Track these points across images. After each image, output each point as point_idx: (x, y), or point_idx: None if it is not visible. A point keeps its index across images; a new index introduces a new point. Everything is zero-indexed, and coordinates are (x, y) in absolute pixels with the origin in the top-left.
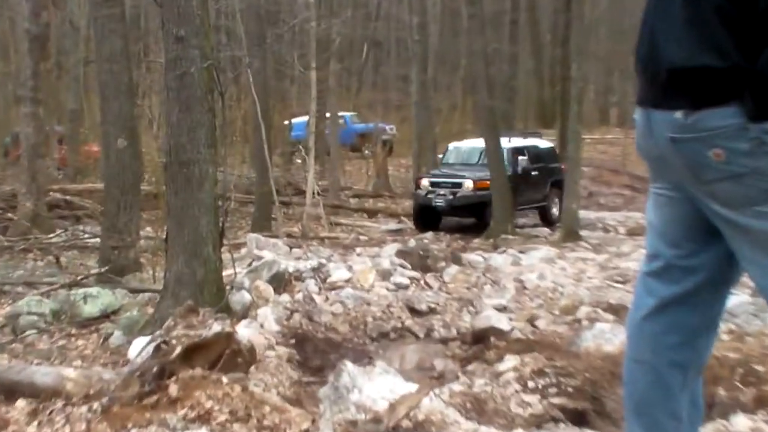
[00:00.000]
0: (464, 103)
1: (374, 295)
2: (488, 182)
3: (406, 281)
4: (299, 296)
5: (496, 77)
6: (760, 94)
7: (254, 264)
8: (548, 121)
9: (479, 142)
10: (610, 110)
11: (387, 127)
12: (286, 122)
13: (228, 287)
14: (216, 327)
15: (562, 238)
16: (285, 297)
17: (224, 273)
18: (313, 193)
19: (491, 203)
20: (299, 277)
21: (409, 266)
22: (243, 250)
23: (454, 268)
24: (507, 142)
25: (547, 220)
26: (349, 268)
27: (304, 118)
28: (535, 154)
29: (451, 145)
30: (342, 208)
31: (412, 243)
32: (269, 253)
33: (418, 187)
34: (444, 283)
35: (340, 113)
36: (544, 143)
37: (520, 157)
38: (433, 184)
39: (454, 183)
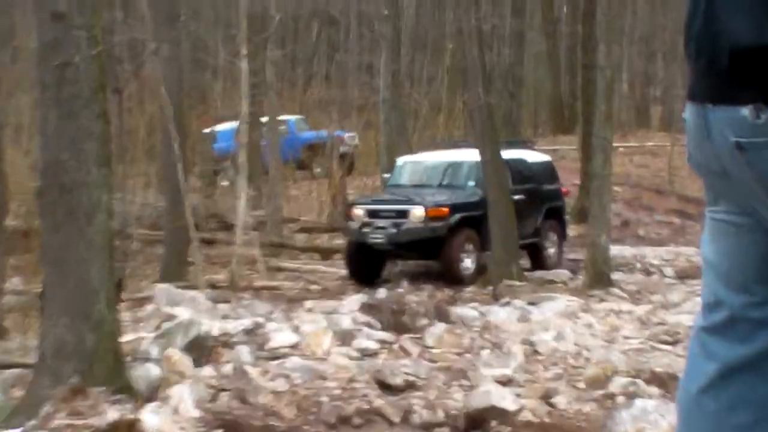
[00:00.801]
0: (451, 101)
1: (331, 366)
2: (446, 209)
3: (375, 346)
4: (228, 369)
5: (494, 65)
6: None
7: (165, 326)
8: (567, 123)
9: (444, 156)
10: (651, 108)
11: (346, 136)
12: (208, 130)
13: (128, 358)
14: (113, 413)
15: (587, 283)
16: (208, 370)
17: (123, 339)
18: (246, 228)
19: (452, 239)
20: (227, 342)
21: (379, 325)
22: (149, 307)
23: (440, 327)
24: (475, 153)
25: (539, 265)
26: (296, 330)
27: (233, 125)
28: (522, 171)
29: (402, 160)
30: (285, 248)
31: (381, 293)
32: (185, 310)
33: (349, 217)
34: (426, 347)
35: (281, 117)
36: (536, 156)
37: None
38: (370, 214)
39: (398, 211)
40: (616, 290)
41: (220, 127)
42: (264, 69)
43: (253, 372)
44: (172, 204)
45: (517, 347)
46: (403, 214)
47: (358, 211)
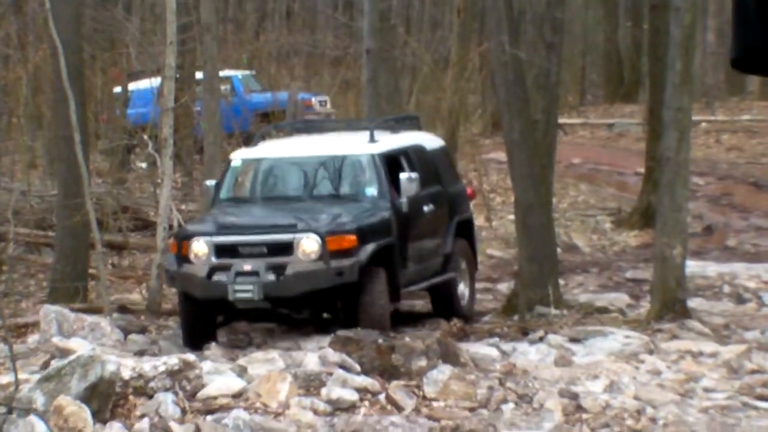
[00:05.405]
0: (463, 53)
1: (290, 424)
2: (353, 237)
3: (352, 396)
4: (143, 426)
5: (526, 4)
6: None
7: (54, 364)
8: (627, 88)
9: (316, 146)
10: None
11: (314, 100)
12: (118, 90)
13: (2, 409)
14: None
15: (654, 313)
16: (115, 427)
17: None
18: (171, 227)
19: (368, 285)
20: (143, 389)
21: (358, 367)
22: (32, 338)
23: (444, 371)
24: (365, 142)
25: (449, 310)
26: (242, 372)
27: (153, 83)
28: (424, 166)
29: (240, 157)
30: None
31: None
32: (84, 342)
33: (183, 257)
34: (425, 399)
35: (223, 73)
36: (431, 141)
37: (404, 175)
38: (221, 250)
39: (271, 244)
40: (694, 323)
41: (136, 86)
42: (198, 3)
43: (180, 431)
44: (67, 193)
45: (554, 401)
46: (283, 248)
47: (200, 247)
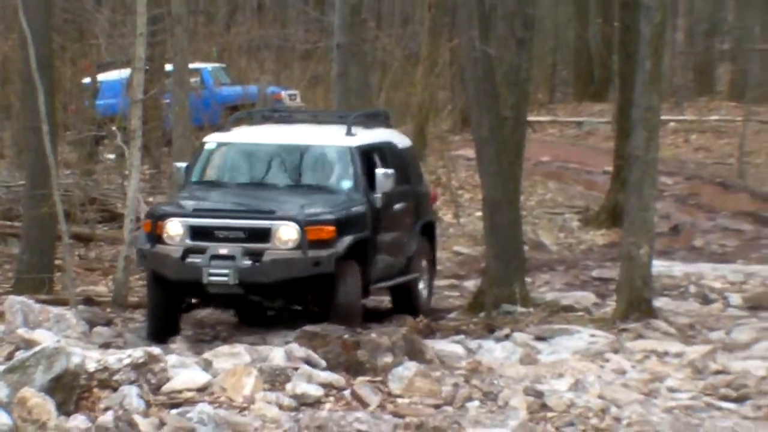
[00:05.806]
0: (433, 48)
1: (254, 418)
2: (332, 228)
3: (317, 392)
4: (107, 419)
5: (497, 1)
6: None
7: (19, 355)
8: (597, 86)
9: (291, 135)
10: (716, 70)
11: (284, 93)
12: (87, 80)
13: None
14: None
15: (620, 312)
16: (79, 420)
17: None
18: (138, 219)
19: (342, 278)
20: (108, 381)
21: (324, 363)
22: None
23: (410, 368)
24: (343, 134)
25: (409, 306)
26: (207, 366)
27: (123, 74)
28: (396, 163)
29: (214, 140)
30: None
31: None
32: (49, 334)
33: (156, 236)
34: (390, 396)
35: (193, 65)
36: (400, 139)
37: (380, 171)
38: (197, 233)
39: (249, 229)
40: (659, 323)
41: (105, 78)
42: None
43: (144, 424)
44: (34, 183)
45: (519, 399)
46: (261, 234)
47: (175, 228)
